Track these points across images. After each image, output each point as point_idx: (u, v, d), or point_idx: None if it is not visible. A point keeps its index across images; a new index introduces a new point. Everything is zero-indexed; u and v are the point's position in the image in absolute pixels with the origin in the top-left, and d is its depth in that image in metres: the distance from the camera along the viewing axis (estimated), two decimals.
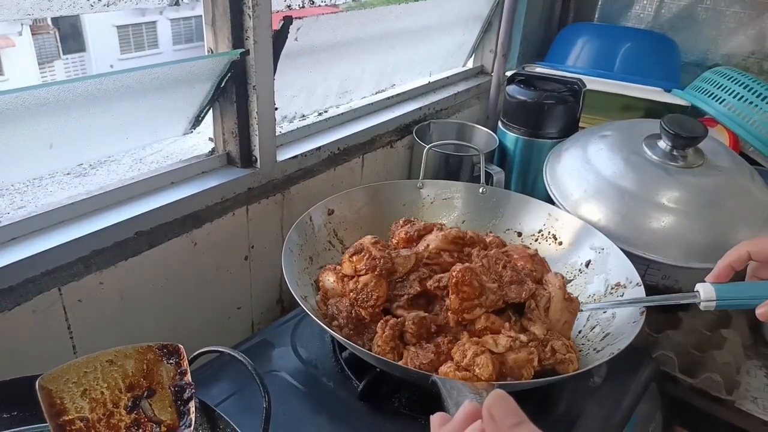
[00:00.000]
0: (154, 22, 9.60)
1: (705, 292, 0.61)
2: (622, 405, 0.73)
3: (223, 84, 0.78)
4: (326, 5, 0.92)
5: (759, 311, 0.57)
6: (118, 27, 9.16)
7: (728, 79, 1.19)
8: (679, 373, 0.84)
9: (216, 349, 0.51)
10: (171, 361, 0.51)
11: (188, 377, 0.50)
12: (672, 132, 0.88)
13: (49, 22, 8.17)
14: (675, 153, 0.90)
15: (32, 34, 7.97)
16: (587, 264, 0.82)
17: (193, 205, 0.75)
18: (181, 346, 0.51)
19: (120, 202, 0.71)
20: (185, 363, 0.51)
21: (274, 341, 0.76)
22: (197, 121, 0.82)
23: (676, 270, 0.87)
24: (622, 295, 0.74)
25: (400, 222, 0.81)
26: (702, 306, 0.61)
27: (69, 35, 8.78)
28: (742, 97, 1.16)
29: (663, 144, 0.91)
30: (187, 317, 0.79)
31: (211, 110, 0.82)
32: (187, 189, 0.76)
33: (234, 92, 0.78)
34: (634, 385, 0.76)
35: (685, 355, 0.86)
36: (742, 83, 1.17)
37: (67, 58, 8.96)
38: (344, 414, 0.66)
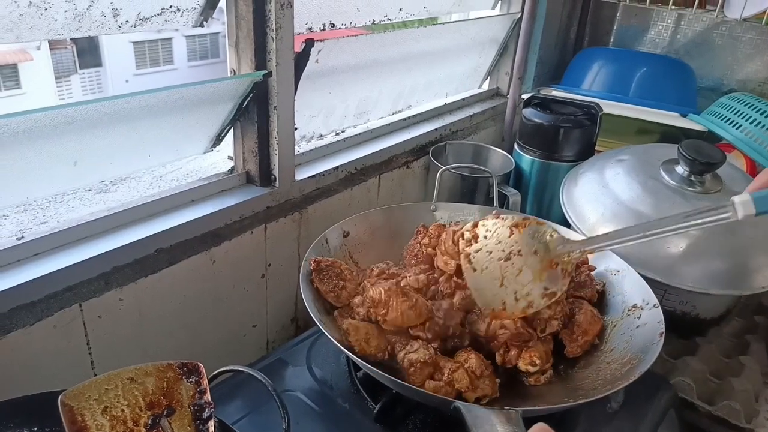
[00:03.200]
0: (169, 39, 9.77)
1: (742, 203, 0.55)
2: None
3: (245, 104, 0.79)
4: (346, 28, 0.93)
5: None
6: (135, 43, 9.32)
7: (744, 105, 1.19)
8: (698, 400, 0.82)
9: (237, 368, 0.51)
10: (191, 380, 0.51)
11: (208, 396, 0.50)
12: (689, 157, 0.88)
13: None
14: (693, 178, 0.90)
15: (50, 49, 8.13)
16: (603, 286, 0.82)
17: (212, 223, 0.76)
18: (201, 364, 0.52)
19: (141, 219, 0.71)
20: (205, 382, 0.51)
21: (289, 360, 0.76)
22: (218, 140, 0.83)
23: (693, 295, 0.86)
24: (639, 317, 0.74)
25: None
26: (741, 216, 0.55)
27: (86, 50, 8.95)
28: (759, 122, 1.16)
29: (680, 169, 0.91)
30: (204, 335, 0.79)
31: (231, 130, 0.83)
32: (206, 207, 0.76)
33: (255, 112, 0.79)
34: (651, 412, 0.75)
35: (703, 382, 0.85)
36: (758, 109, 1.17)
37: (83, 73, 9.12)
38: None
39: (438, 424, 0.66)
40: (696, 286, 0.83)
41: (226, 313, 0.81)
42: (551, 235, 0.67)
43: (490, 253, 0.68)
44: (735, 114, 1.19)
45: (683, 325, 0.91)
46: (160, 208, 0.74)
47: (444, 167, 0.97)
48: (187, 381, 0.51)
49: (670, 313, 0.87)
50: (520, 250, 0.67)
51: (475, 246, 0.68)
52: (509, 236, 0.68)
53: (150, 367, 0.50)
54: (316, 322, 0.63)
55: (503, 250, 0.67)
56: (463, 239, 0.69)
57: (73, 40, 8.49)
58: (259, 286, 0.85)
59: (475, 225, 0.70)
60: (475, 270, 0.67)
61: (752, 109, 1.18)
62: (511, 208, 1.02)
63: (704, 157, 0.88)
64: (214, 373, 0.52)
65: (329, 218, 0.88)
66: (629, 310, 0.76)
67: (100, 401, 0.45)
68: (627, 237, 0.65)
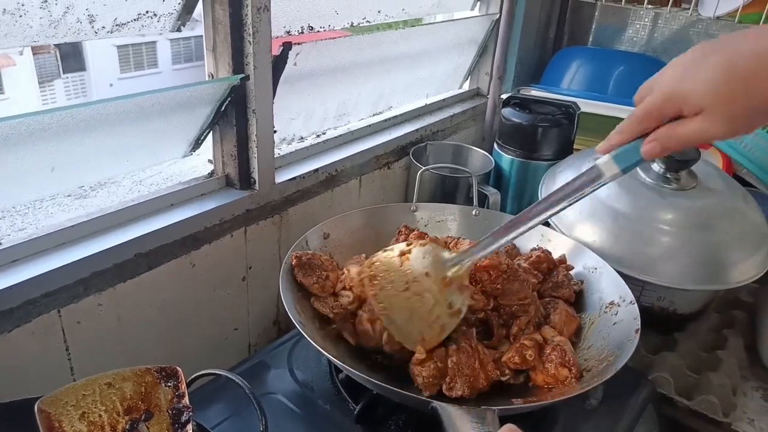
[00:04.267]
0: (153, 42, 9.70)
1: (605, 164, 0.58)
2: (618, 428, 0.73)
3: (223, 108, 0.79)
4: (325, 31, 0.94)
5: (644, 149, 0.54)
6: (118, 47, 9.25)
7: None
8: (676, 395, 0.84)
9: (214, 372, 0.51)
10: (169, 384, 0.51)
11: (186, 400, 0.50)
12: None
13: None
14: (668, 175, 0.91)
15: (33, 54, 8.04)
16: (581, 284, 0.83)
17: (191, 227, 0.76)
18: (179, 368, 0.52)
19: (120, 224, 0.71)
20: (183, 386, 0.51)
21: (270, 363, 0.76)
22: (197, 144, 0.84)
23: (671, 291, 0.88)
24: (616, 314, 0.75)
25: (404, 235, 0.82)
26: (607, 177, 0.58)
27: (69, 55, 8.86)
28: None
29: (656, 167, 0.93)
30: (184, 339, 0.79)
31: (210, 133, 0.83)
32: (186, 211, 0.76)
33: (234, 116, 0.79)
34: (630, 407, 0.76)
35: (682, 377, 0.87)
36: None
37: (67, 77, 9.03)
38: None
39: (419, 424, 0.67)
40: (673, 282, 0.84)
41: (207, 317, 0.81)
42: (436, 254, 0.68)
43: (390, 286, 0.67)
44: None
45: (661, 321, 0.92)
46: (139, 213, 0.74)
47: (424, 168, 0.98)
48: (166, 385, 0.51)
49: (648, 309, 0.89)
50: (415, 278, 0.67)
51: (376, 284, 0.67)
52: (400, 266, 0.68)
53: (128, 372, 0.50)
54: (296, 324, 0.63)
55: (400, 281, 0.67)
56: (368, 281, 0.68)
57: (56, 44, 8.40)
58: (240, 289, 0.85)
59: (371, 263, 0.70)
60: (384, 308, 0.66)
61: None
62: (491, 207, 1.03)
63: (679, 155, 0.89)
64: (193, 377, 0.52)
65: (310, 220, 0.89)
66: (606, 308, 0.77)
67: (78, 407, 0.46)
68: (513, 233, 0.65)
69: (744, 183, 1.10)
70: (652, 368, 0.87)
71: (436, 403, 0.55)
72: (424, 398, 0.60)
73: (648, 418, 0.80)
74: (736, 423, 0.82)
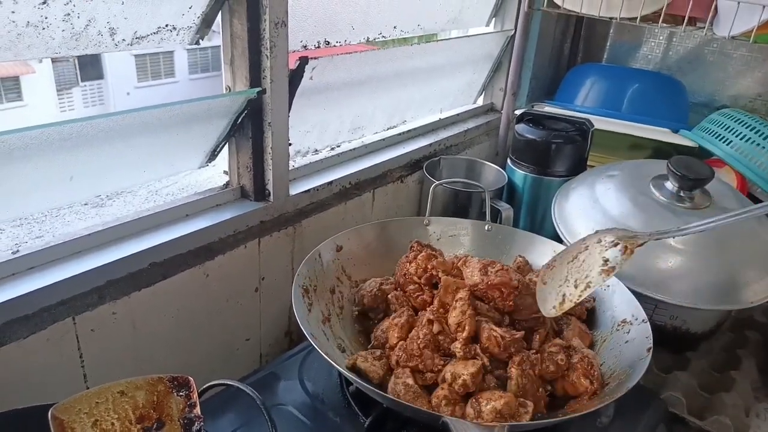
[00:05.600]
0: (171, 52, 9.84)
1: None
2: None
3: (239, 120, 0.80)
4: (341, 45, 0.95)
5: None
6: (136, 56, 9.39)
7: (735, 121, 1.21)
8: (688, 415, 0.83)
9: (226, 382, 0.52)
10: (181, 394, 0.51)
11: (197, 410, 0.51)
12: (679, 173, 0.89)
13: None
14: (682, 194, 0.91)
15: (52, 62, 8.19)
16: (593, 301, 0.83)
17: (206, 238, 0.77)
18: (191, 378, 0.52)
19: (135, 233, 0.72)
20: (195, 395, 0.51)
21: (281, 374, 0.76)
22: (213, 155, 0.85)
23: (684, 310, 0.87)
24: (628, 332, 0.75)
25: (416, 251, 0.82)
26: None
27: (88, 63, 9.01)
28: (749, 138, 1.17)
29: (670, 185, 0.92)
30: (197, 348, 0.80)
31: (227, 145, 0.84)
32: (201, 221, 0.77)
33: (250, 128, 0.80)
34: (641, 427, 0.76)
35: (694, 397, 0.86)
36: (749, 125, 1.18)
37: (85, 86, 9.18)
38: None
39: None
40: (686, 301, 0.84)
41: (220, 327, 0.82)
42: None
43: (561, 263, 0.71)
44: (726, 130, 1.21)
45: (674, 340, 0.91)
46: (155, 223, 0.75)
47: (437, 182, 0.98)
48: (177, 395, 0.51)
49: (661, 328, 0.88)
50: (587, 246, 0.70)
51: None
52: (581, 242, 0.71)
53: (140, 381, 0.50)
54: (308, 337, 0.63)
55: (571, 253, 0.71)
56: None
57: None
58: (253, 299, 0.86)
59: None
60: (544, 283, 0.70)
61: (743, 125, 1.19)
62: (503, 222, 1.03)
63: (693, 173, 0.89)
64: (204, 387, 0.52)
65: (323, 232, 0.89)
66: (618, 325, 0.76)
67: (91, 414, 0.46)
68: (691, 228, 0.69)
69: (758, 202, 1.08)
70: (664, 387, 0.86)
71: (446, 418, 0.55)
72: (434, 413, 0.60)
73: None
74: None
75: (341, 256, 0.84)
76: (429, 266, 0.77)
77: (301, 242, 0.90)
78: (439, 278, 0.75)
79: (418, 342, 0.65)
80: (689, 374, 0.89)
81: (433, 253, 0.81)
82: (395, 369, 0.65)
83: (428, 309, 0.71)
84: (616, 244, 0.67)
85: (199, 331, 0.79)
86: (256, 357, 0.90)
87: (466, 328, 0.66)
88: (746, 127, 1.19)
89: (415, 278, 0.77)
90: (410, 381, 0.63)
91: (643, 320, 0.73)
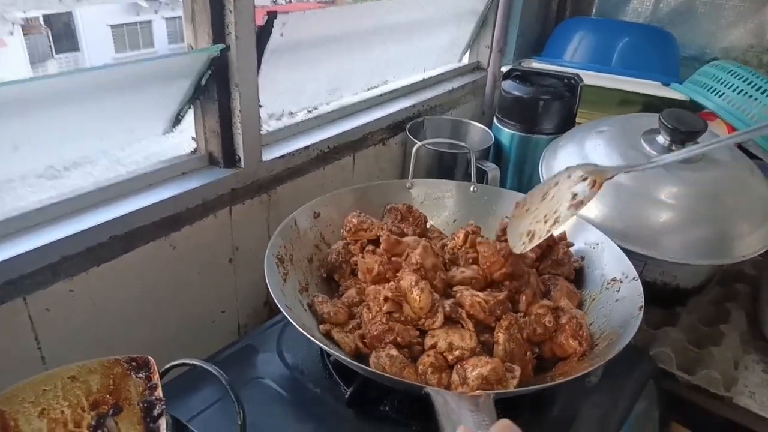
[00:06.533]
0: (149, 22, 9.56)
1: None
2: (618, 405, 0.69)
3: (203, 81, 0.74)
4: (313, 0, 0.89)
5: None
6: (113, 26, 9.11)
7: (727, 73, 1.16)
8: (677, 370, 0.81)
9: (188, 362, 0.48)
10: (140, 375, 0.48)
11: (159, 392, 0.47)
12: (670, 126, 0.85)
13: (41, 21, 8.10)
14: (674, 148, 0.87)
15: (24, 34, 7.92)
16: (582, 260, 0.79)
17: (172, 207, 0.72)
18: (151, 358, 0.48)
19: (93, 205, 0.67)
20: (156, 377, 0.48)
21: (259, 346, 0.72)
22: (177, 120, 0.79)
23: (674, 266, 0.84)
24: (618, 291, 0.72)
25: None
26: None
27: (62, 35, 8.73)
28: (742, 90, 1.13)
29: (661, 139, 0.88)
30: (166, 323, 0.76)
31: (192, 109, 0.78)
32: (165, 191, 0.72)
33: (215, 90, 0.75)
34: (630, 384, 0.73)
35: (683, 352, 0.84)
36: (741, 76, 1.14)
37: (60, 58, 8.91)
38: (332, 421, 0.63)
39: (412, 406, 0.64)
40: (677, 257, 0.81)
41: (192, 300, 0.78)
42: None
43: (532, 202, 0.70)
44: (718, 82, 1.16)
45: (663, 296, 0.89)
46: (115, 194, 0.70)
47: (420, 143, 0.94)
48: (137, 376, 0.47)
49: (651, 284, 0.85)
50: (557, 183, 0.67)
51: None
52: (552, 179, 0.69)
53: (95, 364, 0.46)
54: (281, 308, 0.59)
55: (542, 191, 0.69)
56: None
57: (48, 24, 8.28)
58: (227, 270, 0.82)
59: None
60: (516, 222, 0.70)
61: (735, 77, 1.15)
62: (490, 183, 0.99)
63: (685, 126, 0.85)
64: (166, 367, 0.48)
65: (301, 199, 0.84)
66: (608, 284, 0.73)
67: (37, 403, 0.42)
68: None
69: (750, 155, 1.05)
70: (654, 343, 0.84)
71: (429, 389, 0.52)
72: (416, 384, 0.56)
73: (649, 394, 0.77)
74: (737, 397, 0.79)
75: (319, 223, 0.80)
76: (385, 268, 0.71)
77: (277, 210, 0.86)
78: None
79: (377, 326, 0.61)
80: (678, 329, 0.87)
81: (397, 239, 0.75)
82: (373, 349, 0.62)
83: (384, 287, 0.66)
84: (584, 179, 0.64)
85: (168, 306, 0.75)
86: (233, 329, 0.87)
87: (426, 303, 0.63)
88: (738, 79, 1.14)
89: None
90: (394, 352, 0.60)
91: (633, 278, 0.70)
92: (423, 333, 0.64)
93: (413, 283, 0.62)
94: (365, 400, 0.64)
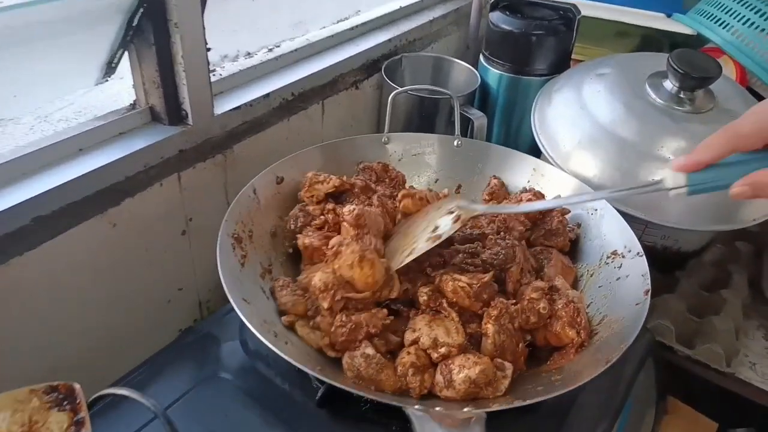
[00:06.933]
0: None
1: (673, 179, 0.50)
2: (618, 383, 0.64)
3: (135, 21, 0.62)
4: None
5: (733, 191, 0.47)
6: None
7: (735, 2, 1.05)
8: (677, 344, 0.76)
9: (118, 392, 0.40)
10: (65, 407, 0.39)
11: (87, 427, 0.39)
12: (681, 71, 0.75)
13: None
14: (682, 95, 0.78)
15: None
16: (577, 227, 0.72)
17: (107, 178, 0.61)
18: (77, 386, 0.40)
19: (11, 179, 0.56)
20: (83, 408, 0.39)
21: (219, 335, 0.65)
22: (110, 67, 0.67)
23: (677, 230, 0.78)
24: (619, 267, 0.64)
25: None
26: (671, 194, 0.51)
27: None
28: (751, 22, 1.02)
29: (669, 85, 0.79)
30: (114, 312, 0.67)
31: (127, 55, 0.66)
32: (99, 157, 0.61)
33: (151, 32, 0.62)
34: (629, 361, 0.68)
35: (683, 323, 0.79)
36: (750, 5, 1.02)
37: None
38: (302, 424, 0.56)
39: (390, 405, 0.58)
40: (682, 222, 0.74)
41: (140, 283, 0.68)
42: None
43: (415, 222, 0.65)
44: (724, 12, 1.05)
45: (663, 260, 0.82)
46: (38, 163, 0.58)
47: (397, 90, 0.82)
48: (59, 410, 0.39)
49: (651, 249, 0.78)
50: (427, 212, 0.64)
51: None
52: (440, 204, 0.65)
53: (2, 398, 0.38)
54: (235, 307, 0.51)
55: (428, 214, 0.64)
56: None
57: None
58: (181, 244, 0.72)
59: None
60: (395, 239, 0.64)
61: (744, 6, 1.03)
62: (476, 133, 0.89)
63: (697, 71, 0.75)
64: (92, 398, 0.40)
65: (263, 158, 0.74)
66: (608, 257, 0.66)
67: None
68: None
69: (758, 97, 0.96)
70: (652, 313, 0.79)
71: (410, 411, 0.45)
72: (395, 404, 0.49)
73: (647, 369, 0.73)
74: (738, 368, 0.75)
75: (283, 189, 0.70)
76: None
77: (236, 171, 0.75)
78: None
79: (341, 331, 0.53)
80: (678, 297, 0.81)
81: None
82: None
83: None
84: (451, 212, 0.60)
85: (111, 293, 0.65)
86: (194, 306, 0.78)
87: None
88: (748, 8, 1.02)
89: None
90: (370, 350, 0.52)
91: (638, 253, 0.63)
92: (391, 310, 0.57)
93: (356, 260, 0.54)
94: (339, 397, 0.57)
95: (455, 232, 0.59)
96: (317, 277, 0.55)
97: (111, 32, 0.62)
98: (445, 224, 0.58)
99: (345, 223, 0.61)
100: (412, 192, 0.67)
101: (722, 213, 0.75)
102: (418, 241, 0.59)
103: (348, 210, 0.61)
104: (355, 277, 0.54)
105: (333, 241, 0.57)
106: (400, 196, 0.67)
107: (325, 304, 0.54)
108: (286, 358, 0.47)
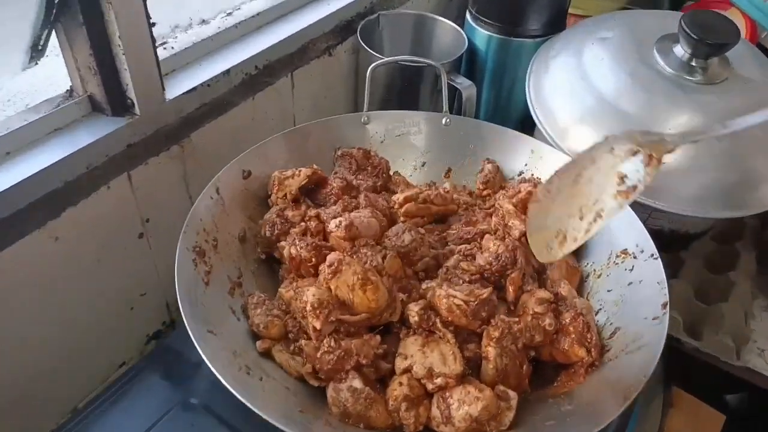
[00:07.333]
0: None
1: None
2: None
3: None
4: None
5: None
6: None
7: None
8: (684, 335, 0.71)
9: None
10: None
11: None
12: (694, 37, 0.67)
13: None
14: (694, 63, 0.70)
15: None
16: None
17: (43, 186, 0.52)
18: None
19: None
20: None
21: (183, 350, 0.58)
22: (37, 51, 0.56)
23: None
24: (631, 269, 0.58)
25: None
26: None
27: None
28: None
29: (680, 51, 0.70)
30: (67, 328, 0.59)
31: (55, 35, 0.55)
32: (30, 161, 0.52)
33: (78, 8, 0.52)
34: None
35: (690, 311, 0.74)
36: None
37: None
38: None
39: None
40: (690, 208, 0.67)
41: (95, 294, 0.61)
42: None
43: (558, 188, 0.53)
44: None
45: (668, 241, 0.77)
46: None
47: (375, 62, 0.73)
48: None
49: (658, 232, 0.72)
50: (594, 160, 0.49)
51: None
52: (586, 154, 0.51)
53: None
54: (197, 346, 0.44)
55: (572, 172, 0.51)
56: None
57: None
58: (139, 247, 0.64)
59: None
60: (536, 218, 0.55)
61: None
62: (465, 104, 0.81)
63: (713, 37, 0.67)
64: None
65: (227, 144, 0.66)
66: (618, 256, 0.60)
67: None
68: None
69: None
70: None
71: None
72: None
73: (654, 374, 0.68)
74: (746, 356, 0.71)
75: (251, 184, 0.62)
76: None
77: (197, 161, 0.67)
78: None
79: (328, 357, 0.47)
80: (683, 280, 0.76)
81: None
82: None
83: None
84: (635, 153, 0.46)
85: (63, 309, 0.58)
86: (161, 308, 0.71)
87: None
88: None
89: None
90: (357, 384, 0.46)
91: (651, 255, 0.56)
92: (383, 333, 0.50)
93: (358, 284, 0.47)
94: None
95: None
96: (311, 292, 0.48)
97: (31, 10, 0.51)
98: (634, 170, 0.45)
99: (336, 237, 0.54)
100: (413, 194, 0.59)
101: (735, 197, 0.68)
102: (601, 200, 0.47)
103: (335, 224, 0.53)
104: (355, 301, 0.48)
105: (331, 258, 0.49)
106: (401, 199, 0.60)
107: (317, 325, 0.47)
108: (259, 413, 0.40)
